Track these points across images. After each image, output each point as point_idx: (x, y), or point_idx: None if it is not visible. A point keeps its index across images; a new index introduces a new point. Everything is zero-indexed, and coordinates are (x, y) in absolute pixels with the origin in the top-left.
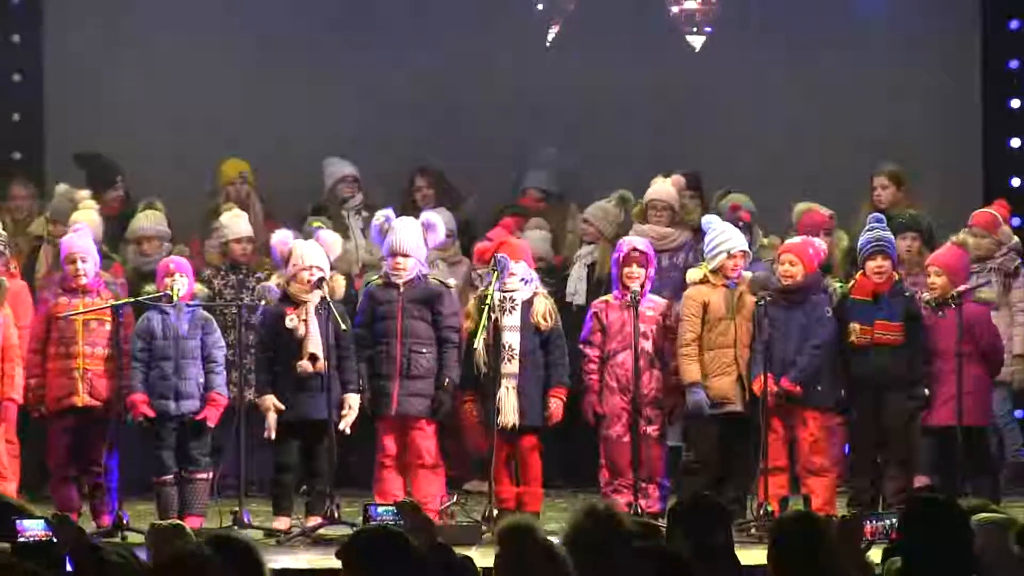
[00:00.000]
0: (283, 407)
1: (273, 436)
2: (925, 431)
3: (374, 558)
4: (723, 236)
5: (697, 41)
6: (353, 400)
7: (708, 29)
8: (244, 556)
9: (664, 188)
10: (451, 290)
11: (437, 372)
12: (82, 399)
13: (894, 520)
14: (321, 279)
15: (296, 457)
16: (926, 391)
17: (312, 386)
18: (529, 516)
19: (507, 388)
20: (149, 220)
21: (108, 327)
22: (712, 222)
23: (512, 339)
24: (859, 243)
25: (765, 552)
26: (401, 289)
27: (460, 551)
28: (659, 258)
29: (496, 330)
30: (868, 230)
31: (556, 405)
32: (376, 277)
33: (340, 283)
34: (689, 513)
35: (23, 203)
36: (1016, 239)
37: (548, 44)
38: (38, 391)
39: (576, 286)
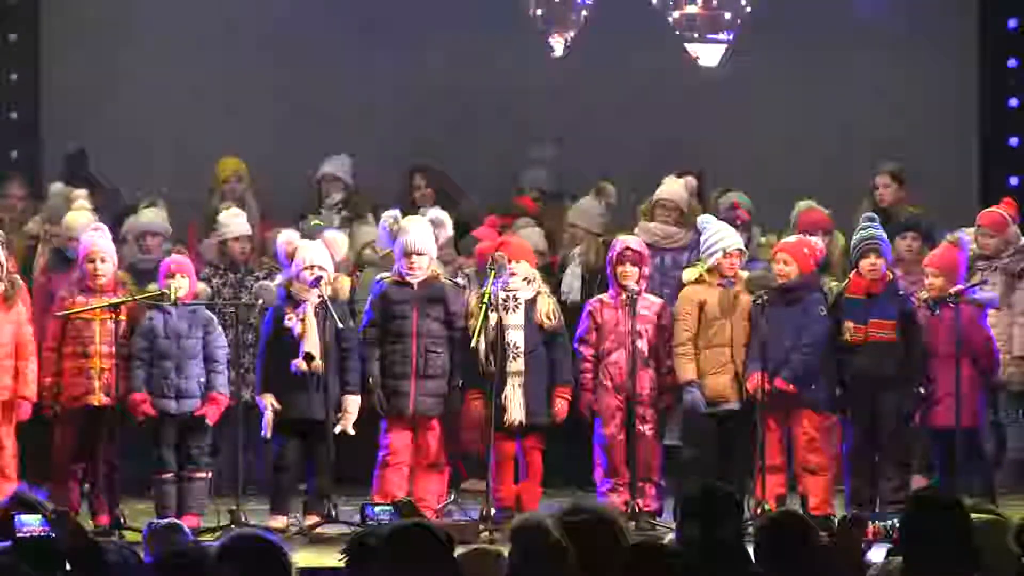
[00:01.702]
0: (279, 406)
1: (269, 435)
2: (924, 431)
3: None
4: (719, 235)
5: (713, 55)
6: (352, 402)
7: (713, 36)
8: (269, 558)
9: (676, 188)
10: (460, 289)
11: (450, 372)
12: (99, 398)
13: (895, 520)
14: (319, 278)
15: (294, 456)
16: (921, 390)
17: (310, 385)
18: (542, 514)
19: (513, 386)
20: (155, 216)
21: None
22: (708, 221)
23: (516, 337)
24: (852, 242)
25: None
26: (416, 288)
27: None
28: (663, 257)
29: (500, 329)
30: (861, 229)
31: (561, 404)
32: (387, 276)
33: (345, 283)
34: (700, 504)
35: (18, 203)
36: None
37: (553, 55)
38: (53, 390)
39: (572, 283)
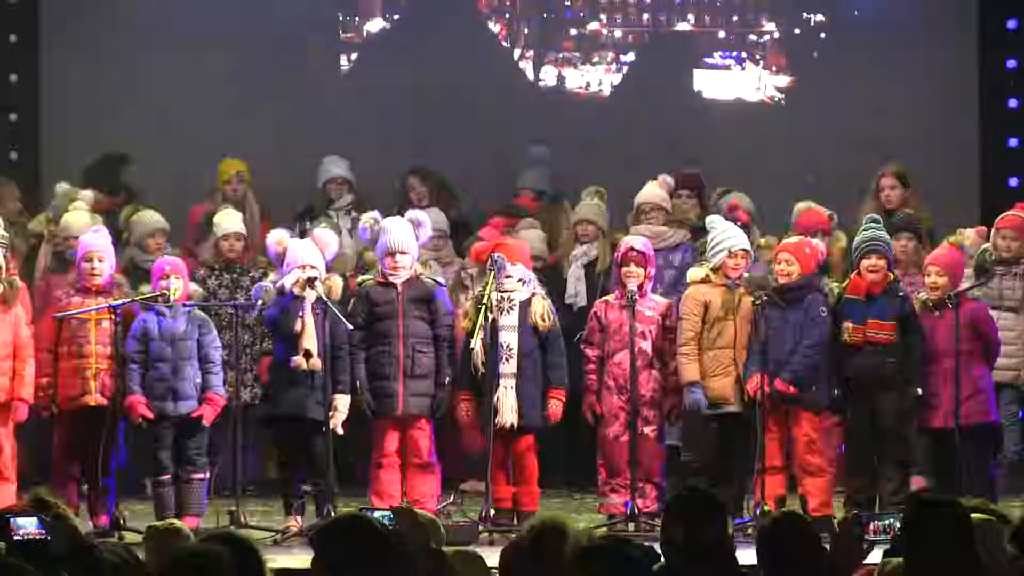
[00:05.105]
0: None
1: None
2: (923, 432)
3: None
4: (725, 235)
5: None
6: (342, 401)
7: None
8: (245, 556)
9: (652, 191)
10: (443, 288)
11: (436, 371)
12: (94, 398)
13: (894, 520)
14: (312, 278)
15: (300, 455)
16: (919, 391)
17: (306, 383)
18: (563, 516)
19: (505, 388)
20: (156, 216)
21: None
22: (715, 222)
23: (510, 339)
24: (854, 242)
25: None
26: (400, 288)
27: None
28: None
29: (494, 330)
30: (863, 230)
31: (555, 406)
32: (369, 278)
33: (337, 283)
34: (684, 506)
35: (17, 203)
36: None
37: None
38: (48, 391)
39: (576, 287)
